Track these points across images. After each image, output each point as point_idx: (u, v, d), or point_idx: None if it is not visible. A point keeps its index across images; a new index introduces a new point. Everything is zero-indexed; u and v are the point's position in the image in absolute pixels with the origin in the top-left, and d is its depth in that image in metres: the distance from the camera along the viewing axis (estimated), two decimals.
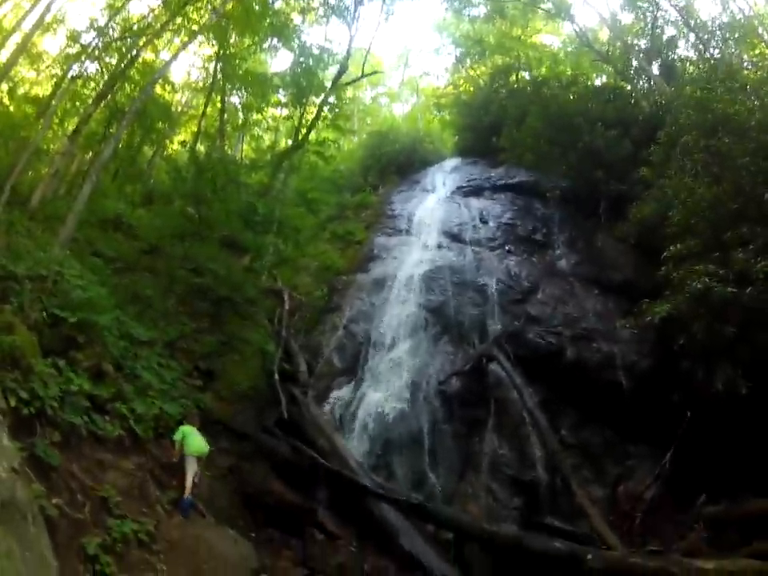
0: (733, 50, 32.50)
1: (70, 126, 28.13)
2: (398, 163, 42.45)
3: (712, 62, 28.66)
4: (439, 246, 27.12)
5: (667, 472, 17.25)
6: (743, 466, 16.81)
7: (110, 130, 26.97)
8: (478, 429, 19.08)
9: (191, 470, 13.06)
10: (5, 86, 29.06)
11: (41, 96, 32.15)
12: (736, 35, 33.72)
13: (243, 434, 17.04)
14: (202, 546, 11.49)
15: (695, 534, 14.98)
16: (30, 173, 26.39)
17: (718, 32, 33.38)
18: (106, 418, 12.04)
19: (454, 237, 27.92)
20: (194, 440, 13.51)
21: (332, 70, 39.03)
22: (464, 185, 34.22)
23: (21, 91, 33.25)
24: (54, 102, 27.43)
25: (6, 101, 30.19)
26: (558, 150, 28.68)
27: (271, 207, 24.17)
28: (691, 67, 31.05)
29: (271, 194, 29.31)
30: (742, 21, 34.45)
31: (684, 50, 34.55)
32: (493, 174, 34.45)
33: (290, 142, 36.65)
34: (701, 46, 33.51)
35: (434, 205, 32.32)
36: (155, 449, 13.31)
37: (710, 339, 16.44)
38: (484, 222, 28.81)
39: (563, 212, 28.79)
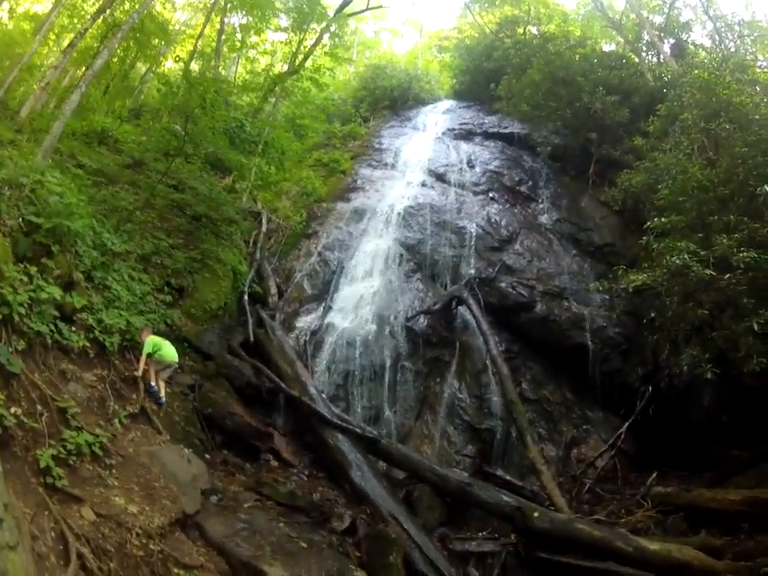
0: (749, 48, 31.60)
1: (66, 42, 26.64)
2: (391, 98, 41.27)
3: (725, 52, 27.58)
4: (423, 184, 26.43)
5: (622, 444, 17.15)
6: (698, 452, 16.93)
7: (104, 45, 25.50)
8: (439, 370, 18.84)
9: (156, 366, 13.06)
10: (6, 5, 27.84)
11: (40, 14, 30.76)
12: (755, 34, 33.00)
13: (208, 354, 16.62)
14: (155, 463, 11.12)
15: (642, 511, 14.72)
16: (21, 88, 25.61)
17: (736, 27, 32.34)
18: (72, 328, 11.58)
19: (439, 177, 27.23)
20: (166, 349, 13.33)
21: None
22: (455, 127, 33.34)
23: (21, 9, 32.06)
24: (52, 18, 26.10)
25: (5, 20, 29.06)
26: (554, 106, 27.84)
27: (259, 128, 23.16)
28: (703, 53, 30.01)
29: (260, 115, 28.09)
30: (763, 23, 33.89)
31: (698, 36, 33.48)
32: (486, 121, 33.57)
33: (285, 67, 35.25)
34: (716, 36, 32.54)
35: (422, 143, 31.43)
36: (119, 362, 12.85)
37: (681, 318, 16.17)
38: (471, 166, 28.11)
39: (551, 168, 28.12)
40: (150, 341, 13.09)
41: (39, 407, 9.41)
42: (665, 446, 17.49)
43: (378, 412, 17.25)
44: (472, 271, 21.29)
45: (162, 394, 13.01)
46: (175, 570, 9.15)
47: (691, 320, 15.77)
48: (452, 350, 19.23)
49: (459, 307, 19.95)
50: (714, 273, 14.65)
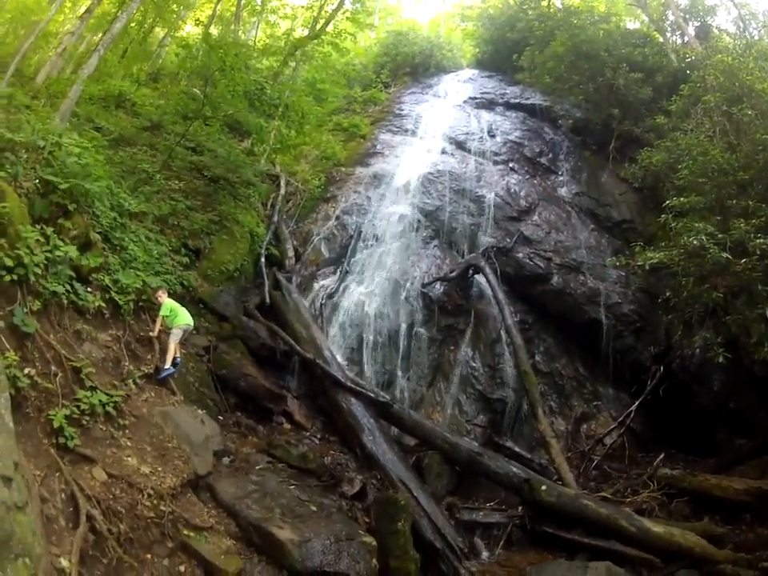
0: None
1: (83, 8, 25.86)
2: (413, 65, 40.49)
3: (749, 39, 26.75)
4: (443, 152, 25.88)
5: (631, 423, 16.95)
6: (704, 437, 16.77)
7: (122, 10, 24.86)
8: (454, 338, 18.62)
9: (175, 339, 12.42)
10: None
11: None
12: None
13: (224, 316, 16.33)
14: (169, 423, 10.91)
15: (648, 492, 14.48)
16: (37, 56, 25.16)
17: (761, 16, 31.61)
18: (88, 289, 11.27)
19: (459, 144, 26.65)
20: (182, 313, 12.78)
21: None
22: (477, 96, 32.59)
23: None
24: None
25: None
26: (577, 79, 27.21)
27: (279, 91, 22.64)
28: (727, 38, 29.13)
29: (280, 79, 27.50)
30: None
31: (723, 21, 32.48)
32: (508, 91, 32.83)
33: (305, 32, 34.42)
34: (740, 23, 31.46)
35: (443, 111, 30.77)
36: (134, 322, 12.58)
37: (696, 300, 15.86)
38: (491, 135, 27.47)
39: (572, 141, 27.53)
40: (168, 304, 12.65)
41: (53, 367, 9.14)
42: (672, 428, 17.28)
43: (391, 377, 17.06)
44: (490, 240, 20.89)
45: (177, 354, 12.57)
46: (185, 532, 9.01)
47: (705, 302, 15.49)
48: (467, 319, 18.98)
49: (476, 276, 19.61)
50: (730, 257, 14.31)
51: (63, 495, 7.71)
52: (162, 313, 12.48)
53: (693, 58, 25.73)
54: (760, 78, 18.43)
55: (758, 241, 14.01)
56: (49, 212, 10.92)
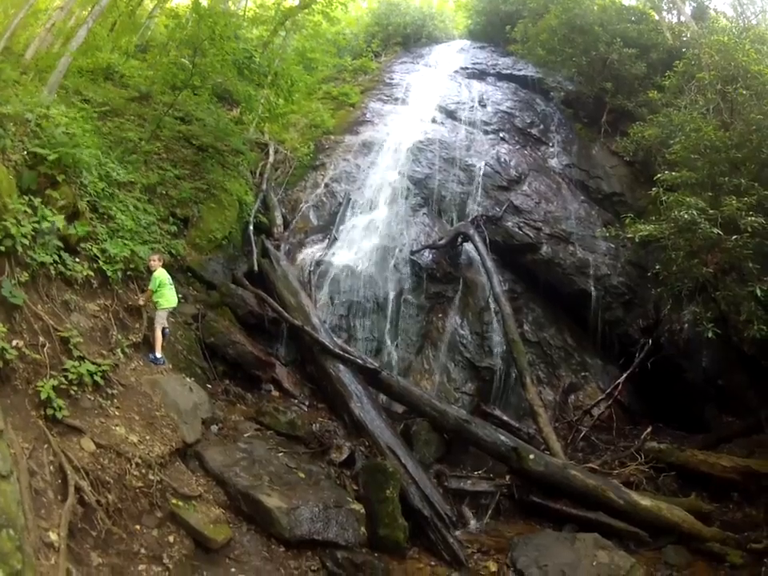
0: None
1: None
2: (404, 35, 39.65)
3: (746, 23, 26.31)
4: (433, 120, 25.38)
5: (619, 395, 16.81)
6: (692, 413, 16.72)
7: None
8: (442, 306, 18.42)
9: (160, 324, 12.05)
10: None
11: None
12: None
13: (212, 284, 16.01)
14: (157, 391, 10.66)
15: (635, 465, 14.34)
16: (26, 33, 24.25)
17: (759, 1, 30.71)
18: (76, 259, 10.99)
19: (450, 114, 26.14)
20: (168, 293, 12.32)
21: None
22: (468, 66, 31.94)
23: None
24: None
25: None
26: (570, 52, 26.68)
27: (269, 58, 22.02)
28: (723, 20, 28.53)
29: (270, 47, 26.73)
30: None
31: (720, 3, 31.79)
32: (500, 62, 32.20)
33: (296, 1, 33.52)
34: (737, 7, 30.72)
35: (434, 80, 30.13)
36: (123, 291, 12.30)
37: (686, 274, 15.66)
38: (483, 105, 26.93)
39: (564, 114, 27.03)
40: (157, 278, 12.14)
41: (41, 338, 8.91)
42: (661, 402, 17.20)
43: (380, 345, 16.83)
44: (479, 209, 20.50)
45: (158, 349, 11.98)
46: (174, 501, 8.84)
47: (695, 277, 15.30)
48: (455, 286, 18.74)
49: (465, 244, 19.33)
50: (721, 233, 14.09)
51: (52, 467, 7.50)
52: (150, 286, 12.09)
53: (688, 36, 25.49)
54: (756, 59, 18.14)
55: (749, 219, 13.81)
56: (37, 183, 10.62)
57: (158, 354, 11.78)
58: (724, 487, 13.28)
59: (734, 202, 14.21)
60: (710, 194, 15.67)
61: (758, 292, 13.34)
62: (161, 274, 12.22)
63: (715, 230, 14.07)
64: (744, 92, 17.11)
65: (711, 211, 14.55)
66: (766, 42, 21.25)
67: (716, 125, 17.13)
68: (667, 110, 20.31)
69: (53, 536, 6.72)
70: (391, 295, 17.61)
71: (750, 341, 14.08)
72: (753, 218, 13.74)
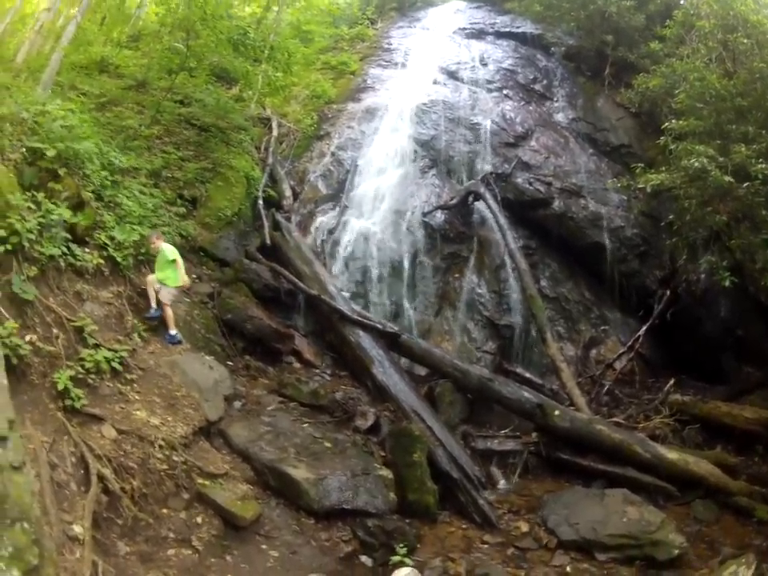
0: None
1: None
2: (398, 0, 38.31)
3: None
4: (435, 82, 24.44)
5: (639, 348, 16.43)
6: (712, 364, 16.28)
7: None
8: (458, 266, 17.92)
9: (167, 300, 11.65)
10: None
11: None
12: None
13: (225, 261, 15.67)
14: (176, 372, 10.39)
15: (660, 418, 13.95)
16: (15, 40, 23.44)
17: None
18: (85, 249, 10.70)
19: (451, 74, 25.22)
20: (173, 272, 11.83)
21: None
22: (466, 27, 30.72)
23: None
24: None
25: None
26: (568, 7, 25.71)
27: (264, 33, 21.56)
28: None
29: (264, 22, 26.04)
30: None
31: None
32: (497, 21, 30.94)
33: None
34: None
35: (433, 43, 29.11)
36: (135, 276, 11.97)
37: (699, 224, 15.19)
38: (484, 64, 25.99)
39: (566, 68, 26.02)
40: (166, 253, 11.70)
41: (55, 330, 8.65)
42: (681, 354, 16.76)
43: (398, 309, 16.48)
44: (488, 167, 19.80)
45: (171, 326, 11.60)
46: (200, 481, 8.60)
47: (709, 226, 14.82)
48: (470, 245, 18.22)
49: (476, 203, 18.70)
50: (732, 180, 13.50)
51: (73, 458, 7.26)
52: (172, 256, 11.72)
53: None
54: (754, 9, 17.34)
55: (759, 166, 13.21)
56: (38, 179, 10.34)
57: (173, 332, 11.44)
58: (748, 440, 12.93)
59: (743, 149, 13.65)
60: (719, 142, 15.01)
61: None
62: (167, 248, 11.84)
63: (726, 178, 13.49)
64: (745, 41, 16.35)
65: (721, 159, 13.99)
66: None
67: (719, 74, 16.44)
68: (670, 60, 19.54)
69: (77, 528, 6.42)
70: (406, 258, 17.22)
71: (766, 290, 13.62)
72: (763, 166, 13.16)
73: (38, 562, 5.14)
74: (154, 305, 11.42)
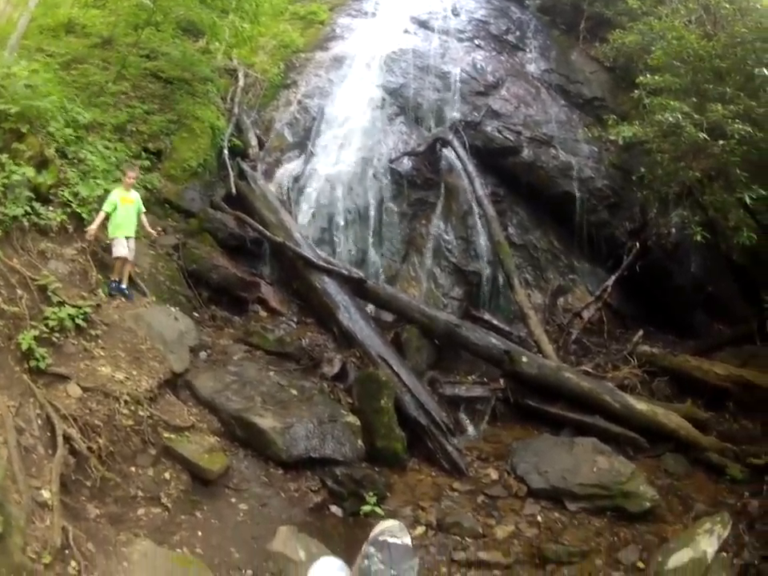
0: None
1: None
2: None
3: None
4: (405, 31, 23.66)
5: (608, 298, 16.34)
6: (683, 318, 16.47)
7: None
8: (425, 212, 17.63)
9: (117, 252, 10.71)
10: None
11: None
12: None
13: (190, 212, 15.21)
14: (141, 325, 10.10)
15: (629, 368, 13.95)
16: None
17: None
18: (49, 207, 10.37)
19: (422, 24, 24.40)
20: (121, 220, 10.87)
21: None
22: None
23: None
24: None
25: None
26: None
27: None
28: None
29: None
30: None
31: None
32: None
33: None
34: None
35: None
36: (99, 231, 11.29)
37: (672, 178, 15.03)
38: (456, 14, 25.15)
39: (540, 21, 25.39)
40: (110, 200, 10.75)
41: (19, 291, 8.40)
42: (651, 307, 16.88)
43: (364, 255, 16.22)
44: (457, 115, 19.34)
45: (116, 275, 10.73)
46: (166, 435, 8.40)
47: (682, 181, 14.64)
48: (437, 192, 17.86)
49: (444, 150, 18.33)
50: (707, 137, 13.24)
51: (39, 421, 7.05)
52: (105, 207, 10.71)
53: None
54: None
55: (736, 126, 12.91)
56: (3, 141, 10.17)
57: (123, 285, 10.65)
58: (718, 396, 12.94)
59: (719, 108, 13.33)
60: (695, 100, 14.68)
61: (747, 200, 12.67)
62: (114, 195, 10.87)
63: (701, 135, 13.25)
64: (727, 6, 15.84)
65: (696, 116, 13.70)
66: None
67: (699, 35, 15.96)
68: (648, 18, 18.83)
69: (45, 494, 6.22)
70: (372, 204, 16.83)
71: (740, 249, 13.64)
72: (739, 126, 12.87)
73: (2, 529, 5.06)
74: (123, 283, 10.68)
